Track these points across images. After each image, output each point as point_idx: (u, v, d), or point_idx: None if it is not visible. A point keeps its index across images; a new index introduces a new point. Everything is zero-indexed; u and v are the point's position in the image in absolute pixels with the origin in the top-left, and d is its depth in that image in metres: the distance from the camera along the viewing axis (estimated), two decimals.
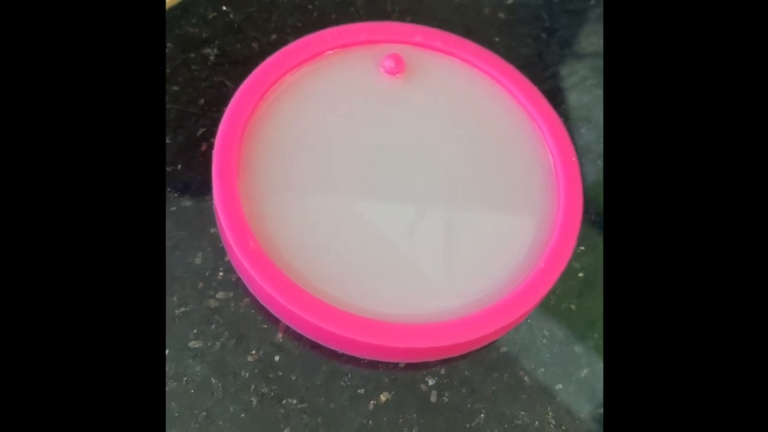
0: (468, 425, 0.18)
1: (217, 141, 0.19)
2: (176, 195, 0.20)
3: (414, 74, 0.21)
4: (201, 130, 0.21)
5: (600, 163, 0.22)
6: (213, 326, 0.18)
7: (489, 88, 0.22)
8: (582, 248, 0.20)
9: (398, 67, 0.21)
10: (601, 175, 0.22)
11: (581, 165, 0.22)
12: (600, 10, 0.26)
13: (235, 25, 0.23)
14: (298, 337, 0.18)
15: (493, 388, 0.18)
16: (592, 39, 0.25)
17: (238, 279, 0.18)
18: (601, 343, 0.19)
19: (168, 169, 0.20)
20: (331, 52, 0.21)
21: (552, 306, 0.19)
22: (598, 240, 0.21)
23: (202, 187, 0.20)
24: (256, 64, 0.20)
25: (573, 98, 0.24)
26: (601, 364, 0.19)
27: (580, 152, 0.22)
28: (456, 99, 0.21)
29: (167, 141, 0.20)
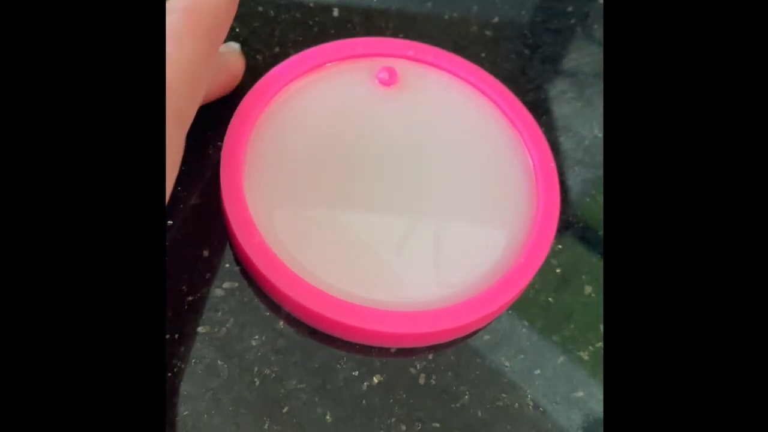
0: (453, 405, 0.19)
1: (225, 143, 0.20)
2: (185, 193, 0.21)
3: (406, 86, 0.23)
4: (209, 134, 0.22)
5: (577, 168, 0.24)
6: (219, 313, 0.19)
7: (475, 100, 0.23)
8: (559, 246, 0.22)
9: (392, 78, 0.23)
10: (577, 179, 0.24)
11: (560, 170, 0.23)
12: (579, 29, 0.28)
13: (241, 39, 0.25)
14: (298, 324, 0.19)
15: (477, 372, 0.20)
16: (572, 55, 0.27)
17: (243, 270, 0.20)
18: (576, 332, 0.21)
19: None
20: (330, 64, 0.23)
21: (531, 299, 0.21)
22: (575, 239, 0.22)
23: (210, 187, 0.21)
24: (260, 74, 0.22)
25: (553, 110, 0.25)
26: (577, 353, 0.21)
27: (559, 159, 0.24)
28: (444, 109, 0.23)
29: None
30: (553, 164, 0.22)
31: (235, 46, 0.23)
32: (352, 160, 0.21)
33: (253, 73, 0.23)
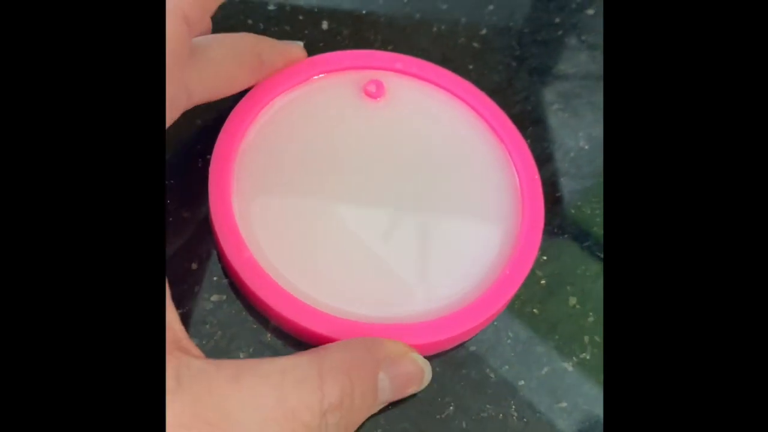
0: (438, 417, 0.19)
1: (213, 157, 0.21)
2: (175, 207, 0.21)
3: (393, 98, 0.23)
4: (198, 147, 0.23)
5: (563, 180, 0.24)
6: (208, 326, 0.20)
7: (461, 113, 0.24)
8: (545, 258, 0.22)
9: (379, 91, 0.23)
10: (563, 190, 0.24)
11: (545, 181, 0.24)
12: (567, 40, 0.28)
13: None
14: (285, 337, 0.20)
15: (462, 383, 0.20)
16: (559, 66, 0.27)
17: (231, 283, 0.20)
18: (561, 343, 0.21)
19: (167, 182, 0.22)
20: (319, 76, 0.23)
21: (517, 310, 0.21)
22: (559, 250, 0.23)
23: (198, 199, 0.21)
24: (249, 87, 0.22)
25: (540, 121, 0.26)
26: (562, 363, 0.21)
27: (545, 170, 0.24)
28: (431, 121, 0.23)
29: (166, 157, 0.22)
30: (537, 176, 0.22)
31: (299, 43, 0.24)
32: (339, 175, 0.22)
33: None
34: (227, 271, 0.20)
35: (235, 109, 0.22)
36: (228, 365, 0.15)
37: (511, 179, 0.22)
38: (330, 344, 0.17)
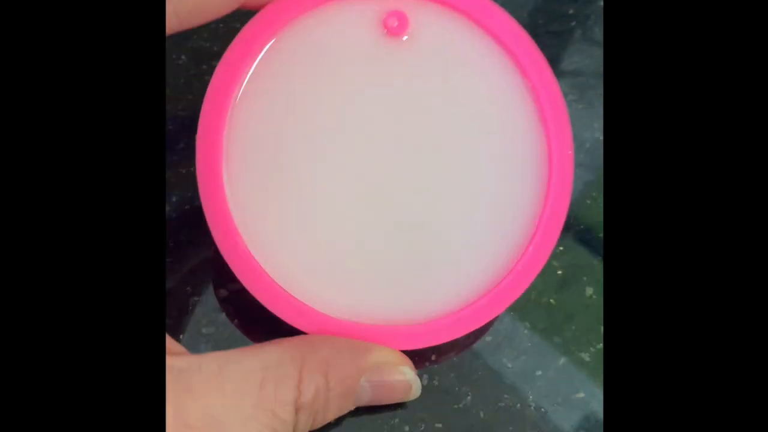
0: (456, 406, 0.19)
1: (200, 132, 0.18)
2: (189, 194, 0.21)
3: (418, 37, 0.19)
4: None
5: (578, 171, 0.24)
6: (224, 314, 0.20)
7: (500, 64, 0.20)
8: (561, 248, 0.22)
9: (402, 26, 0.19)
10: (579, 181, 0.24)
11: None
12: (580, 31, 0.28)
13: None
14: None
15: (479, 373, 0.20)
16: (572, 58, 0.27)
17: None
18: (577, 334, 0.21)
19: (182, 170, 0.21)
20: (325, 6, 0.19)
21: (533, 300, 0.21)
22: (576, 240, 0.23)
23: None
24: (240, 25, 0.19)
25: None
26: (579, 354, 0.21)
27: None
28: (460, 72, 0.20)
29: (181, 145, 0.22)
30: (571, 152, 0.20)
31: None
32: (343, 143, 0.19)
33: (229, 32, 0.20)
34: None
35: (221, 62, 0.18)
36: (210, 359, 0.15)
37: (541, 158, 0.20)
38: (318, 337, 0.17)
